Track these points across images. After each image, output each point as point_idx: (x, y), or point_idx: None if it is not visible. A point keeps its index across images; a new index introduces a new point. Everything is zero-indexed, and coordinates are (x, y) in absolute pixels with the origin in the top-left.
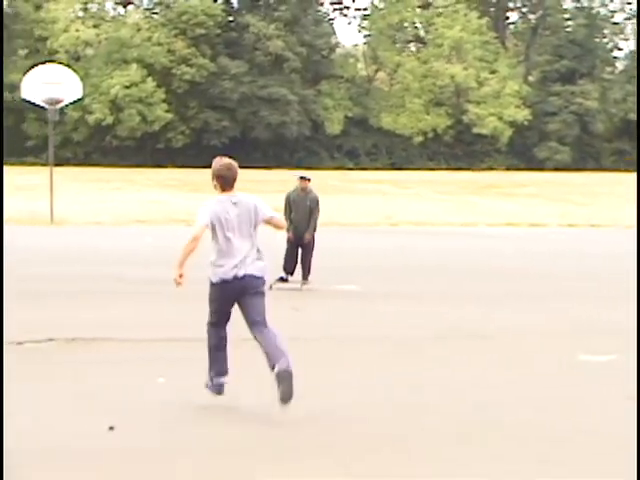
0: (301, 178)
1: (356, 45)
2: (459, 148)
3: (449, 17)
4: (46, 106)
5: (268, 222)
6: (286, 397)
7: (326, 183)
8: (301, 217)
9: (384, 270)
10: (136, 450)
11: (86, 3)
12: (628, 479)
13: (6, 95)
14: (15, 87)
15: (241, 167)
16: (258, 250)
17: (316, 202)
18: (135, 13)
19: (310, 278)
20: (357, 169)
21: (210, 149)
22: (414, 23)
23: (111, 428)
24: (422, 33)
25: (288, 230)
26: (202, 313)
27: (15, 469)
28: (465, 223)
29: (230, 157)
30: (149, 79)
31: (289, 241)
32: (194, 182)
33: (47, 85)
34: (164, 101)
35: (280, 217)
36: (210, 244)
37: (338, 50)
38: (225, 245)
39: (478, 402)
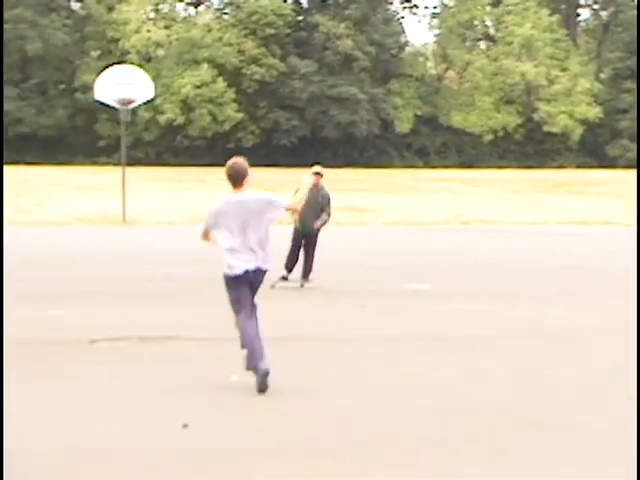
0: (315, 173)
1: (425, 44)
2: (529, 146)
3: (519, 15)
4: (118, 106)
5: (287, 210)
6: (264, 389)
7: (395, 182)
8: (311, 213)
9: (455, 269)
10: (207, 449)
11: (157, 4)
12: (628, 479)
13: (79, 96)
14: (88, 88)
15: (310, 166)
16: (267, 243)
17: (327, 199)
18: (206, 14)
19: (311, 277)
20: (427, 168)
21: (280, 149)
22: (484, 21)
23: (185, 426)
24: (492, 31)
25: (296, 220)
26: (275, 312)
27: (86, 467)
28: (536, 221)
29: (300, 156)
30: (219, 79)
31: (294, 238)
32: (264, 181)
33: (119, 86)
34: (234, 101)
35: (293, 201)
36: (221, 240)
37: (407, 49)
38: (233, 241)
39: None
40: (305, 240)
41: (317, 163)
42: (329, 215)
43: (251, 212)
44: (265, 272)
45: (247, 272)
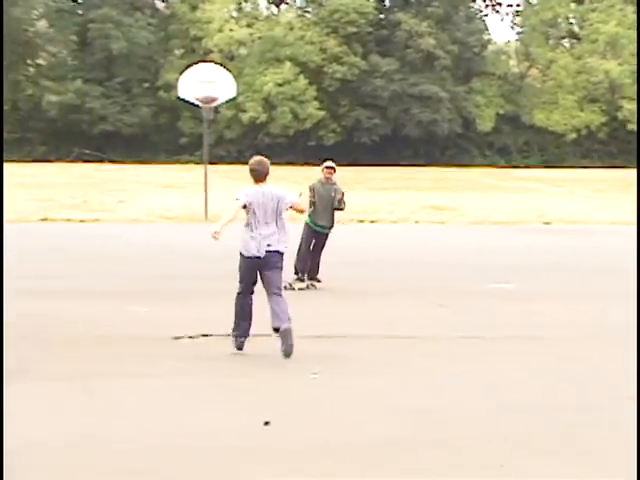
0: (327, 167)
1: (508, 42)
2: (613, 145)
3: (604, 12)
4: (201, 105)
5: (292, 207)
6: (289, 352)
7: (477, 181)
8: (324, 207)
9: (537, 268)
10: (286, 448)
11: (240, 3)
12: (628, 479)
13: (162, 94)
14: (171, 86)
15: (391, 165)
16: (284, 232)
17: (342, 194)
18: (288, 12)
19: (319, 276)
20: (508, 167)
21: (361, 147)
22: (568, 19)
23: (266, 423)
24: (576, 29)
25: (309, 215)
26: (351, 311)
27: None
28: (619, 222)
29: (380, 155)
30: (301, 77)
31: (304, 236)
32: (345, 180)
33: (202, 84)
34: (315, 99)
35: (301, 202)
36: (243, 223)
37: (490, 47)
38: (254, 225)
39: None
40: (315, 239)
41: (329, 160)
42: (343, 208)
43: (270, 203)
44: (280, 254)
45: (258, 253)
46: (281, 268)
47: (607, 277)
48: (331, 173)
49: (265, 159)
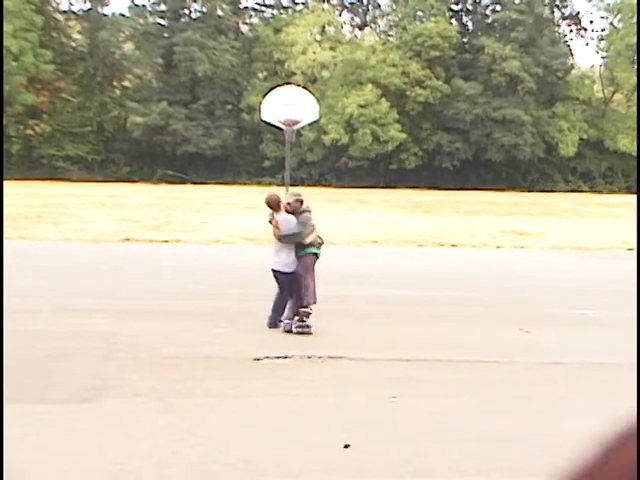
0: (293, 201)
1: (592, 66)
2: None
3: None
4: (284, 127)
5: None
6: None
7: (559, 206)
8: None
9: (619, 295)
10: (366, 470)
11: (324, 27)
12: None
13: (245, 116)
14: (254, 109)
15: (473, 189)
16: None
17: (305, 224)
18: (371, 35)
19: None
20: (592, 192)
21: (442, 171)
22: None
23: (346, 446)
24: None
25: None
26: (432, 334)
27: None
28: None
29: (462, 179)
30: (383, 100)
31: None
32: (426, 204)
33: (285, 107)
34: (397, 122)
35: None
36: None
37: (574, 71)
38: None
39: None
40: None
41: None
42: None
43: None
44: (282, 273)
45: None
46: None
47: None
48: (296, 205)
49: (276, 194)
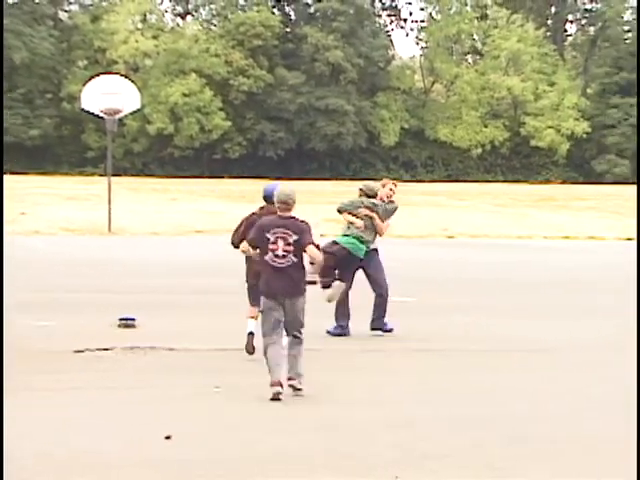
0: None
1: (413, 57)
2: (516, 161)
3: (505, 28)
4: (105, 116)
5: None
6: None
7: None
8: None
9: (440, 282)
10: (190, 460)
11: (145, 15)
12: (628, 479)
13: (65, 105)
14: (75, 98)
15: (296, 178)
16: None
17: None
18: (193, 24)
19: None
20: (413, 181)
21: (266, 160)
22: (471, 35)
23: (167, 437)
24: (479, 45)
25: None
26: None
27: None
28: (521, 236)
29: (286, 168)
30: (207, 89)
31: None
32: (250, 193)
33: (105, 95)
34: (221, 110)
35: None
36: None
37: (395, 62)
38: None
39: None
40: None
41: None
42: None
43: None
44: None
45: None
46: None
47: (510, 290)
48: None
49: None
